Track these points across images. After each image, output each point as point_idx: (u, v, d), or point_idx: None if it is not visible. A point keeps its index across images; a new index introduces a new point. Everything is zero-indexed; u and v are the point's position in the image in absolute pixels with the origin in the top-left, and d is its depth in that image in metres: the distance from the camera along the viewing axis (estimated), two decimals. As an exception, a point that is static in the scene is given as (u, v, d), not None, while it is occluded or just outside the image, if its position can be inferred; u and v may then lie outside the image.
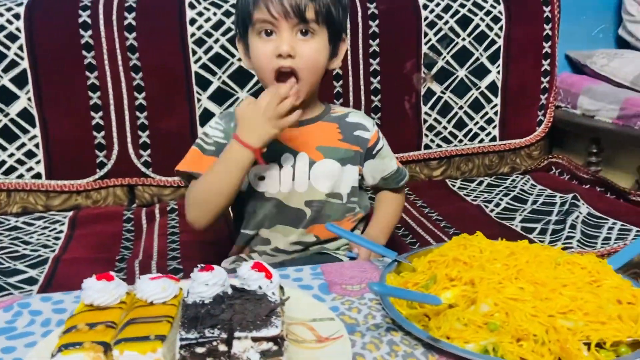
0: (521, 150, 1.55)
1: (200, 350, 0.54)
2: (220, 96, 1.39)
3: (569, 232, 1.14)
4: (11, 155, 1.31)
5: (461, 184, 1.47)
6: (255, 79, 1.37)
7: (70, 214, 1.33)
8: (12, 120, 1.30)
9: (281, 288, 0.64)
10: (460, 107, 1.51)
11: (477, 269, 0.67)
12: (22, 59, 1.28)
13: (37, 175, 1.33)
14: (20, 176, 1.32)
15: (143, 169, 1.39)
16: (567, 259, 0.70)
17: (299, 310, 0.66)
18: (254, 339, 0.54)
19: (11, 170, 1.32)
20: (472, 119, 1.51)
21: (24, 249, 1.18)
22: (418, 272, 0.72)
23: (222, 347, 0.54)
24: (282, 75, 0.86)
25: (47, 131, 1.32)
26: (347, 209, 0.96)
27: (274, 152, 0.91)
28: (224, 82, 1.39)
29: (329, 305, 0.69)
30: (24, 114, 1.30)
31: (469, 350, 0.59)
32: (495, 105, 1.51)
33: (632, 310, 0.62)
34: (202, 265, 0.62)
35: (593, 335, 0.59)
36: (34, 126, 1.31)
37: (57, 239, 1.21)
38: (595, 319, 0.60)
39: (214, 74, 1.38)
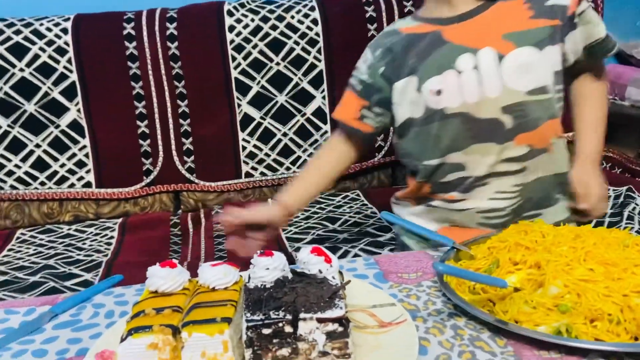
0: (569, 145, 1.51)
1: (266, 331, 0.54)
2: (260, 101, 1.41)
3: (626, 223, 1.10)
4: (62, 165, 1.35)
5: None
6: (293, 83, 1.39)
7: (120, 220, 1.36)
8: (62, 132, 1.35)
9: (340, 273, 0.64)
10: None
11: (542, 252, 0.66)
12: (70, 71, 1.33)
13: (88, 184, 1.37)
14: (72, 185, 1.36)
15: (187, 175, 1.42)
16: (635, 241, 0.67)
17: (357, 297, 0.65)
18: (319, 320, 0.54)
19: (63, 180, 1.36)
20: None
21: (78, 254, 1.21)
22: (478, 259, 0.71)
23: (288, 329, 0.54)
24: None
25: (96, 141, 1.36)
26: (555, 101, 0.80)
27: (445, 56, 0.77)
28: (263, 87, 1.41)
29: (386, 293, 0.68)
30: (74, 125, 1.35)
31: (542, 332, 0.57)
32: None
33: None
34: (262, 250, 0.62)
35: (671, 312, 0.56)
36: (83, 137, 1.35)
37: (109, 244, 1.24)
38: (672, 297, 0.58)
39: (253, 79, 1.40)
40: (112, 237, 1.29)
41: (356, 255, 1.05)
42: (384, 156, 1.46)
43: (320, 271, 0.60)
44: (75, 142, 1.37)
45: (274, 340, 0.54)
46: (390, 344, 0.57)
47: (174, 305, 0.59)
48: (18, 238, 1.33)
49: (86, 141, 1.36)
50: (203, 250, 1.21)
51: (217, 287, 0.61)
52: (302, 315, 0.54)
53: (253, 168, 1.44)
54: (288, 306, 0.55)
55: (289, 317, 0.54)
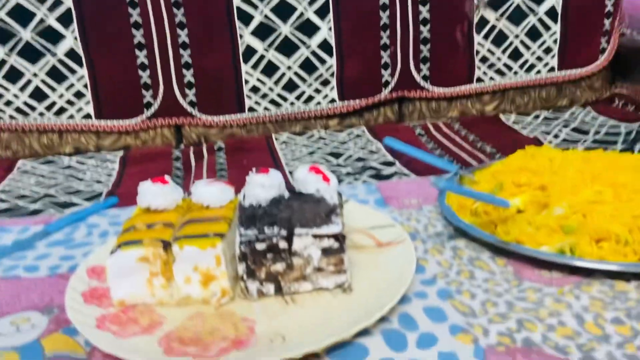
0: (582, 82, 1.46)
1: (260, 246, 0.52)
2: (263, 31, 1.35)
3: (637, 159, 1.06)
4: (61, 96, 1.32)
5: (516, 118, 1.40)
6: (298, 13, 1.33)
7: (121, 153, 1.35)
8: (60, 61, 1.31)
9: (339, 195, 0.62)
10: (516, 36, 1.42)
11: (548, 175, 0.63)
12: (66, -3, 1.27)
13: (87, 116, 1.34)
14: (71, 117, 1.34)
15: (189, 108, 1.39)
16: (647, 164, 0.65)
17: (356, 220, 0.64)
18: (315, 236, 0.52)
19: (62, 111, 1.33)
20: (528, 48, 1.43)
21: (78, 184, 1.20)
22: (481, 183, 0.68)
23: (283, 244, 0.52)
24: None
25: (94, 71, 1.32)
26: None
27: None
28: (266, 17, 1.35)
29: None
30: (71, 54, 1.31)
31: (544, 252, 0.55)
32: (554, 32, 1.42)
33: None
34: (257, 167, 0.60)
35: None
36: (81, 66, 1.31)
37: (110, 175, 1.23)
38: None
39: (255, 7, 1.34)
40: (113, 169, 1.27)
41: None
42: (390, 91, 1.42)
43: (317, 190, 0.58)
44: (73, 71, 1.33)
45: (268, 256, 0.52)
46: (387, 262, 0.56)
47: (165, 221, 0.57)
48: (19, 168, 1.32)
49: (84, 71, 1.32)
50: (204, 182, 1.19)
51: (211, 205, 0.59)
52: (297, 230, 0.52)
53: (256, 103, 1.41)
54: (283, 222, 0.53)
55: (283, 232, 0.52)
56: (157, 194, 0.59)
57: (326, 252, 0.52)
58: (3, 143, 1.34)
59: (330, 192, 0.58)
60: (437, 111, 1.44)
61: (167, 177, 0.61)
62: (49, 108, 1.34)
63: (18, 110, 1.33)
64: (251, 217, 0.54)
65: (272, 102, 1.41)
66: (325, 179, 0.58)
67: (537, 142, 1.24)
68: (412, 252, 0.55)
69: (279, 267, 0.52)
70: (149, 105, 1.37)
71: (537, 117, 1.40)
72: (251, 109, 1.42)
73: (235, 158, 1.32)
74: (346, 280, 0.53)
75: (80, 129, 1.36)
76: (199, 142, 1.43)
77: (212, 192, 0.59)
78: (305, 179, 0.58)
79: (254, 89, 1.40)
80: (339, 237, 0.52)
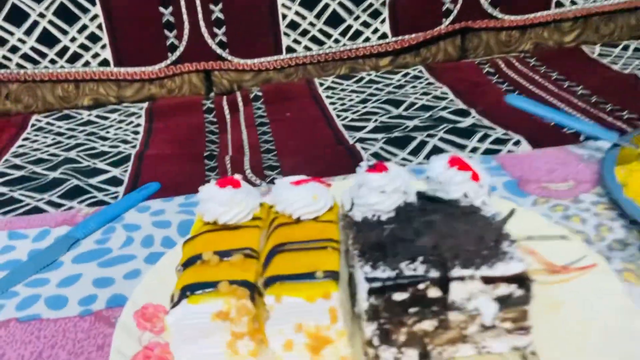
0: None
1: (400, 297, 0.32)
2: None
3: None
4: (73, 39, 1.08)
5: (601, 50, 1.15)
6: None
7: (146, 105, 1.12)
8: (68, -2, 1.05)
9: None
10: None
11: None
12: None
13: (105, 63, 1.11)
14: (87, 64, 1.10)
15: (219, 50, 1.15)
16: None
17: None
18: (486, 280, 0.32)
19: (76, 57, 1.10)
20: (613, -34, 1.15)
21: (102, 145, 0.99)
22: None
23: (434, 292, 0.32)
24: None
25: (109, 8, 1.07)
26: None
27: None
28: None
29: (542, 222, 0.45)
30: (80, -12, 1.05)
31: None
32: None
33: None
34: (371, 162, 0.39)
35: None
36: (93, 3, 1.06)
37: (136, 133, 1.02)
38: None
39: None
40: (138, 125, 1.05)
41: (437, 148, 0.81)
42: (452, 22, 1.16)
43: (465, 195, 0.37)
44: (85, 10, 1.08)
45: (411, 310, 0.33)
46: (575, 303, 0.36)
47: (244, 248, 0.37)
48: (33, 125, 1.10)
49: (97, 9, 1.07)
50: (246, 141, 0.97)
51: (303, 216, 0.39)
52: (455, 272, 0.32)
53: (295, 41, 1.16)
54: (430, 255, 0.33)
55: (434, 273, 0.32)
56: (228, 203, 0.38)
57: (503, 302, 0.32)
58: (12, 95, 1.12)
59: (482, 195, 0.37)
60: (507, 44, 1.19)
61: (238, 177, 0.40)
62: (61, 54, 1.10)
63: (26, 57, 1.09)
64: (375, 246, 0.34)
65: (313, 39, 1.16)
66: (475, 176, 0.37)
67: (635, 80, 1.00)
68: (616, 285, 0.35)
69: (427, 325, 0.33)
70: (173, 47, 1.12)
71: (625, 48, 1.15)
72: (289, 49, 1.17)
73: (276, 108, 1.09)
74: (529, 342, 0.34)
75: (98, 77, 1.13)
76: (230, 90, 1.20)
77: (304, 198, 0.38)
78: (445, 177, 0.37)
79: (292, 25, 1.14)
80: (524, 281, 0.32)
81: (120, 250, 0.47)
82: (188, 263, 0.36)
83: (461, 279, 0.32)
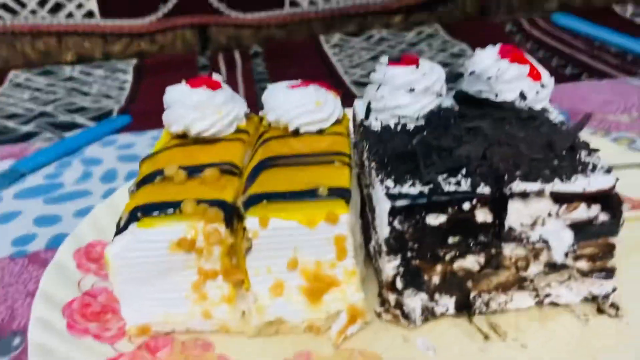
0: None
1: (435, 220, 0.23)
2: None
3: None
4: (55, -14, 0.99)
5: (634, 10, 1.05)
6: None
7: (135, 61, 1.03)
8: (48, -61, 0.96)
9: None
10: None
11: None
12: None
13: (90, 14, 1.01)
14: (70, 15, 1.01)
15: (216, 4, 1.05)
16: None
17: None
18: (559, 198, 0.22)
19: (58, 7, 1.00)
20: None
21: (82, 100, 0.90)
22: None
23: (484, 215, 0.23)
24: None
25: (94, -48, 0.98)
26: None
27: None
28: None
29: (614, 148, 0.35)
30: None
31: None
32: None
33: None
34: (394, 55, 0.29)
35: None
36: (76, -55, 0.97)
37: (122, 89, 0.92)
38: None
39: None
40: (125, 81, 0.96)
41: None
42: (471, -23, 1.06)
43: (522, 96, 0.27)
44: (67, -48, 0.98)
45: (450, 240, 0.23)
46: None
47: (222, 162, 0.27)
48: (11, 81, 1.01)
49: (80, -48, 0.97)
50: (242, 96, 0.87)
51: (303, 128, 0.29)
52: (516, 186, 0.22)
53: (299, -5, 1.06)
54: (478, 166, 0.23)
55: (485, 189, 0.22)
56: (201, 107, 0.29)
57: (580, 231, 0.23)
58: (-11, 49, 1.03)
59: (545, 101, 0.28)
60: (531, 2, 1.09)
61: (218, 78, 0.31)
62: (42, 4, 1.01)
63: (4, 7, 1.00)
64: (402, 156, 0.25)
65: (319, -7, 1.07)
66: (537, 75, 0.27)
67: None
68: None
69: (471, 263, 0.23)
70: (165, -1, 1.03)
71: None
72: (293, 3, 1.08)
73: (278, 65, 1.00)
74: (611, 289, 0.24)
75: (82, 30, 1.03)
76: (228, 47, 1.10)
77: (304, 105, 0.29)
78: (495, 71, 0.28)
79: (296, -23, 1.05)
80: (613, 199, 0.22)
81: (74, 186, 0.38)
82: (145, 181, 0.27)
83: (524, 195, 0.22)
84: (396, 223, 0.22)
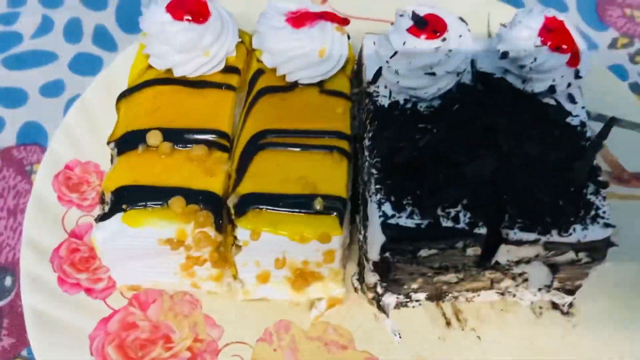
0: None
1: (426, 253, 0.23)
2: None
3: None
4: None
5: None
6: None
7: None
8: None
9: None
10: None
11: None
12: None
13: None
14: None
15: None
16: None
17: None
18: (550, 246, 0.22)
19: None
20: None
21: None
22: None
23: (474, 251, 0.23)
24: None
25: None
26: None
27: None
28: None
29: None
30: None
31: None
32: None
33: None
34: (419, 17, 0.23)
35: None
36: None
37: None
38: None
39: None
40: None
41: None
42: None
43: (552, 89, 0.24)
44: None
45: (436, 265, 0.24)
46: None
47: (210, 130, 0.24)
48: None
49: None
50: None
51: (302, 80, 0.25)
52: (514, 235, 0.22)
53: None
54: (481, 195, 0.23)
55: (482, 229, 0.22)
56: (188, 48, 0.23)
57: (559, 268, 0.24)
58: None
59: (575, 89, 0.25)
60: None
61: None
62: None
63: None
64: (404, 167, 0.22)
65: None
66: (575, 61, 0.23)
67: None
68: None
69: (450, 278, 0.25)
70: None
71: None
72: None
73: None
74: (570, 300, 0.26)
75: None
76: None
77: (306, 55, 0.24)
78: (532, 57, 0.23)
79: None
80: (602, 249, 0.22)
81: (33, 42, 0.33)
82: (125, 144, 0.24)
83: (518, 242, 0.22)
84: (387, 254, 0.23)
